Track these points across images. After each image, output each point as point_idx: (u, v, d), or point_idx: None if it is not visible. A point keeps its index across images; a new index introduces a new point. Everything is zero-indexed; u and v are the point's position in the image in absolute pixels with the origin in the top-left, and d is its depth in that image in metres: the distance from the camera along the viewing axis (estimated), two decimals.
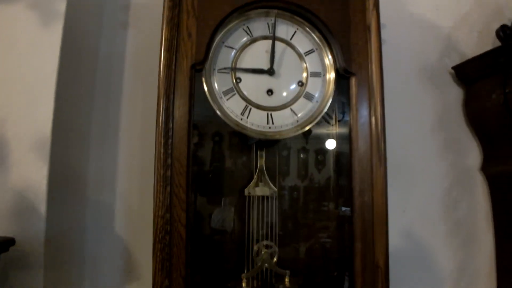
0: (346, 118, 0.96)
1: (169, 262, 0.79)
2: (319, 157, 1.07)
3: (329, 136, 1.05)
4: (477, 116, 1.22)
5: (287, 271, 0.93)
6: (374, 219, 0.86)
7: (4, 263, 0.83)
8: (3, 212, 0.83)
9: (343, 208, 1.03)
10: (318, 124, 0.95)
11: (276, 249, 0.96)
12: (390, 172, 0.87)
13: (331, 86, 0.94)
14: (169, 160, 0.82)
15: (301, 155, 1.08)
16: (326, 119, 1.00)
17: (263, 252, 0.96)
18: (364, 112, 0.89)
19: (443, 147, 1.23)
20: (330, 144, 1.06)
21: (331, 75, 0.95)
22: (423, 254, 1.19)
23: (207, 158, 1.05)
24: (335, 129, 1.02)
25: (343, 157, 1.02)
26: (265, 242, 0.97)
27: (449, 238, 1.20)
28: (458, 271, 1.20)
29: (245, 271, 0.94)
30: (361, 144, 0.88)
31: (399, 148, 1.16)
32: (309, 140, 1.06)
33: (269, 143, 1.00)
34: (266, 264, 0.95)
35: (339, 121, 1.02)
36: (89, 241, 1.08)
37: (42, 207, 0.85)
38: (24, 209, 0.84)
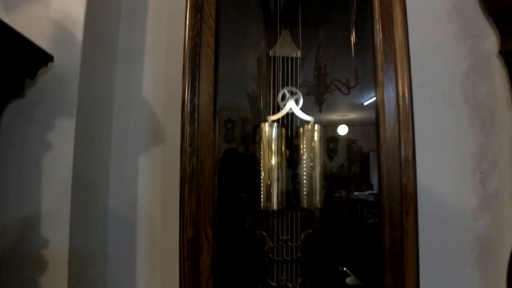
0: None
1: None
2: None
3: None
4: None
5: (312, 118, 0.96)
6: None
7: (40, 86, 0.86)
8: (41, 40, 0.86)
9: None
10: None
11: (301, 96, 0.99)
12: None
13: None
14: None
15: None
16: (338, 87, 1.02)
17: (287, 97, 0.99)
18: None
19: (460, 33, 1.25)
20: None
21: None
22: (444, 133, 1.20)
23: None
24: None
25: None
26: (289, 88, 1.00)
27: (469, 119, 1.21)
28: (480, 152, 1.20)
29: (271, 114, 0.96)
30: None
31: (417, 33, 1.17)
32: None
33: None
34: (291, 108, 0.98)
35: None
36: None
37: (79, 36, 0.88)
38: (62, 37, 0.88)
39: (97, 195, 1.01)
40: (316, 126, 0.95)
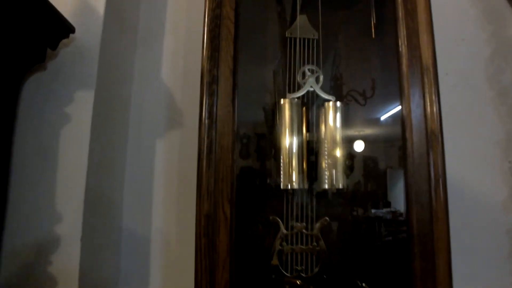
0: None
1: None
2: None
3: None
4: None
5: (333, 97, 0.93)
6: None
7: (60, 59, 0.87)
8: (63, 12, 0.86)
9: None
10: None
11: (321, 74, 0.97)
12: None
13: None
14: None
15: None
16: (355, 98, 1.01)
17: (308, 75, 0.97)
18: None
19: (483, 18, 1.22)
20: None
21: None
22: (469, 120, 1.15)
23: None
24: None
25: None
26: (309, 66, 0.97)
27: (495, 105, 1.16)
28: (507, 139, 1.14)
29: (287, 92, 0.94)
30: None
31: (439, 18, 1.15)
32: None
33: None
34: (311, 86, 0.95)
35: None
36: None
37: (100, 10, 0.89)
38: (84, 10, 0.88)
39: (113, 172, 0.99)
40: (338, 104, 0.92)
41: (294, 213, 0.93)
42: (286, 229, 0.92)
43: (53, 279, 0.78)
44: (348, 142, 0.98)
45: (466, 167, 1.13)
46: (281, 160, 0.88)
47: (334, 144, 0.90)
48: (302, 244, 0.92)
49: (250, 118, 0.98)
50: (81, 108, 0.85)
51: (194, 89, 0.85)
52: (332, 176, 0.89)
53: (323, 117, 0.92)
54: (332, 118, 0.91)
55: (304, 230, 0.93)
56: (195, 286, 0.77)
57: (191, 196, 0.82)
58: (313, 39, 1.00)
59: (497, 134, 1.15)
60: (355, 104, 1.00)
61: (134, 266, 1.04)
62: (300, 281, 0.89)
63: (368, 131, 1.03)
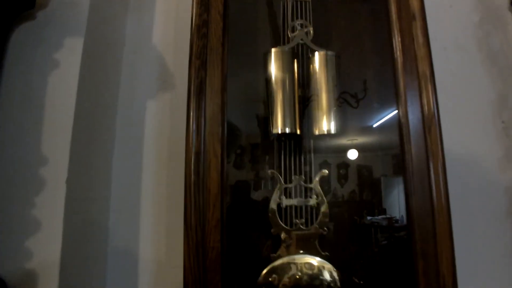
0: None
1: None
2: None
3: None
4: None
5: (324, 49, 0.93)
6: None
7: (50, 8, 0.86)
8: None
9: None
10: None
11: (311, 29, 0.97)
12: None
13: None
14: None
15: None
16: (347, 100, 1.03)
17: (298, 29, 0.97)
18: None
19: None
20: None
21: None
22: (460, 82, 1.15)
23: None
24: None
25: None
26: (299, 21, 0.98)
27: (485, 67, 1.17)
28: (499, 100, 1.14)
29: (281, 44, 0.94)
30: None
31: None
32: None
33: None
34: (301, 39, 0.96)
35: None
36: None
37: None
38: None
39: (101, 123, 0.98)
40: (329, 53, 0.92)
41: (292, 167, 0.93)
42: (285, 182, 0.91)
43: (37, 220, 0.75)
44: (342, 152, 0.99)
45: (460, 129, 1.12)
46: (274, 106, 0.87)
47: (325, 90, 0.90)
48: (301, 197, 0.91)
49: (241, 66, 0.98)
50: (69, 55, 0.84)
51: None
52: (323, 122, 0.88)
53: (314, 64, 0.92)
54: (323, 66, 0.91)
55: (302, 183, 0.92)
56: (185, 225, 0.74)
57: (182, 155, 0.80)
58: (305, 2, 1.02)
59: (489, 96, 1.15)
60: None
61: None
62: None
63: (361, 139, 1.03)
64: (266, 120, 0.90)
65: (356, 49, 1.03)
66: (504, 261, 1.06)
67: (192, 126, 0.78)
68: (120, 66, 1.05)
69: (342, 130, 0.93)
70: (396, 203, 0.97)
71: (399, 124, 0.84)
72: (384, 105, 1.01)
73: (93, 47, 0.89)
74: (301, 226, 0.89)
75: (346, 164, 1.00)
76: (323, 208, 0.89)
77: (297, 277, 0.84)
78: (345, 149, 1.00)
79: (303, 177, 0.91)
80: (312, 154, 0.93)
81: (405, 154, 0.82)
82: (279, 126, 0.85)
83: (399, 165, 0.85)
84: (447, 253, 0.75)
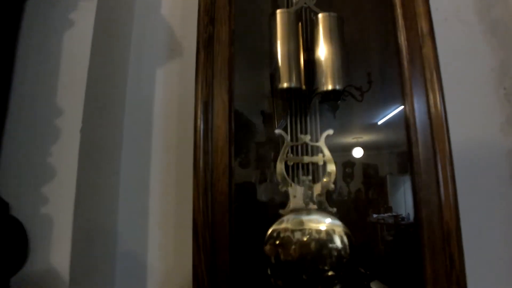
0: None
1: None
2: None
3: None
4: None
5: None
6: None
7: None
8: None
9: None
10: None
11: None
12: None
13: None
14: None
15: None
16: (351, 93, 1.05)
17: None
18: None
19: None
20: None
21: None
22: (464, 50, 1.17)
23: None
24: None
25: None
26: None
27: (486, 37, 1.19)
28: (501, 68, 1.16)
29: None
30: None
31: None
32: None
33: None
34: (305, 3, 0.99)
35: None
36: None
37: None
38: None
39: (113, 82, 1.02)
40: (332, 14, 0.95)
41: (298, 125, 0.95)
42: (291, 141, 0.94)
43: (52, 168, 0.78)
44: (347, 150, 1.01)
45: (463, 97, 1.14)
46: (279, 63, 0.90)
47: (329, 50, 0.92)
48: (307, 154, 0.93)
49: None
50: (84, 15, 0.88)
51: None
52: (328, 78, 0.91)
53: (318, 26, 0.95)
54: (328, 26, 0.94)
55: (309, 141, 0.94)
56: (194, 168, 0.77)
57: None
58: None
59: (491, 63, 1.17)
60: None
61: None
62: None
63: (367, 137, 1.06)
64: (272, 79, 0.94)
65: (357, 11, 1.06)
66: (509, 222, 1.07)
67: (201, 77, 0.81)
68: (131, 27, 1.10)
69: (345, 128, 0.98)
70: (402, 201, 0.98)
71: (405, 117, 0.86)
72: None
73: (106, 9, 0.93)
74: (308, 183, 0.91)
75: (351, 162, 1.02)
76: (329, 166, 0.92)
77: (305, 239, 0.85)
78: (350, 147, 1.03)
79: (308, 136, 0.95)
80: (318, 113, 0.96)
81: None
82: (285, 80, 0.88)
83: (405, 164, 0.88)
84: (455, 250, 0.75)
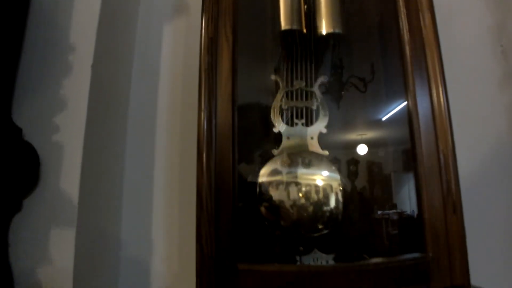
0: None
1: None
2: None
3: None
4: None
5: None
6: None
7: None
8: None
9: None
10: None
11: None
12: None
13: None
14: None
15: None
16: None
17: None
18: None
19: None
20: None
21: None
22: (461, 9, 1.20)
23: None
24: None
25: None
26: None
27: None
28: (497, 27, 1.19)
29: None
30: None
31: None
32: None
33: None
34: None
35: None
36: None
37: None
38: None
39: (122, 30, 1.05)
40: None
41: (294, 71, 0.98)
42: (287, 86, 0.97)
43: (64, 99, 0.82)
44: (351, 148, 1.03)
45: (461, 53, 1.17)
46: (281, 5, 0.93)
47: None
48: (302, 99, 0.97)
49: None
50: None
51: None
52: (329, 20, 0.94)
53: None
54: None
55: (303, 87, 0.97)
56: (198, 101, 0.80)
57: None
58: None
59: (487, 21, 1.20)
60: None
61: None
62: None
63: (371, 133, 1.07)
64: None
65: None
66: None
67: (205, 15, 0.84)
68: None
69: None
70: (406, 198, 0.98)
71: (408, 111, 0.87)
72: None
73: None
74: (301, 125, 0.94)
75: (356, 160, 1.03)
76: (322, 111, 0.95)
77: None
78: (355, 144, 1.04)
79: (303, 82, 0.97)
80: (313, 58, 0.98)
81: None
82: (286, 23, 0.91)
83: (409, 161, 0.88)
84: (459, 246, 0.76)
